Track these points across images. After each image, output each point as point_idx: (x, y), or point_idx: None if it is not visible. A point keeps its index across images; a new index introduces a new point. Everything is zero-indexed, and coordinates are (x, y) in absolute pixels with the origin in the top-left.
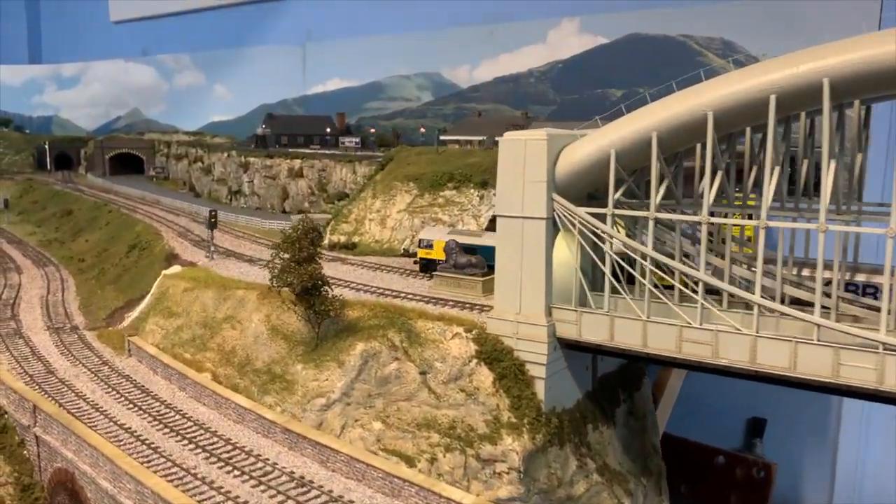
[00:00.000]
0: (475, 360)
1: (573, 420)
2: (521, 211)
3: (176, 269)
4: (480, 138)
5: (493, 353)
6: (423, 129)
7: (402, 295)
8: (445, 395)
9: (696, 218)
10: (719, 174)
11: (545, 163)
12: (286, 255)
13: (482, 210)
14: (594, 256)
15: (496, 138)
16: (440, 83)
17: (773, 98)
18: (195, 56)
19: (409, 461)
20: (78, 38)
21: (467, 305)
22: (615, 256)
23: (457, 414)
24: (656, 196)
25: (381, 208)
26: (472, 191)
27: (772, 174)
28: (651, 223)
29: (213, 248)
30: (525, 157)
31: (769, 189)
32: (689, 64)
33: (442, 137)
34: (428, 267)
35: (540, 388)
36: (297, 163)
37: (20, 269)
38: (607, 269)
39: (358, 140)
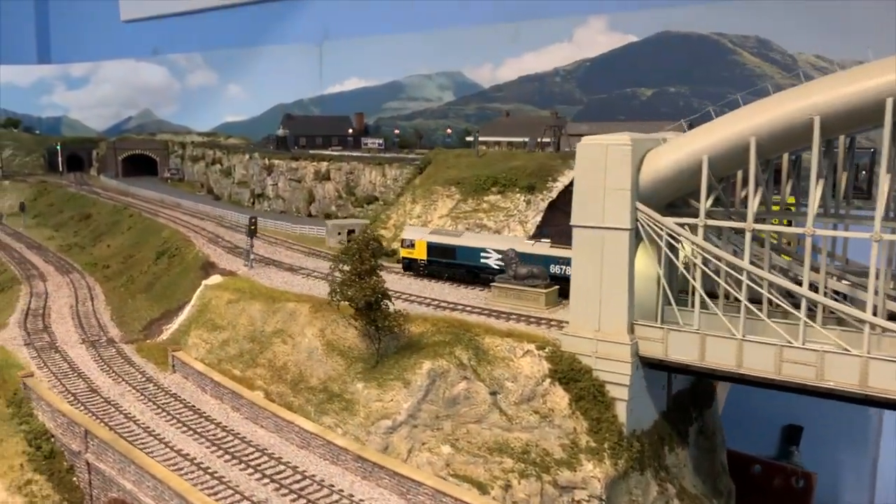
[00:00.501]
0: (549, 380)
1: (652, 442)
2: (601, 221)
3: (216, 278)
4: (523, 139)
5: (570, 373)
6: (449, 131)
7: (460, 307)
8: (518, 416)
9: (800, 230)
10: (821, 183)
11: (629, 169)
12: (346, 268)
13: (529, 215)
14: (683, 271)
15: (541, 139)
16: (462, 83)
17: (890, 101)
18: (208, 55)
19: (482, 488)
20: (87, 38)
21: (532, 319)
22: (707, 270)
23: (530, 437)
24: (753, 205)
25: (422, 214)
26: (517, 195)
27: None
28: (749, 235)
29: (252, 257)
30: (606, 163)
31: (883, 198)
32: (722, 63)
33: (469, 139)
34: (410, 266)
35: (621, 411)
36: (323, 165)
37: (44, 276)
38: (698, 284)
39: (381, 141)
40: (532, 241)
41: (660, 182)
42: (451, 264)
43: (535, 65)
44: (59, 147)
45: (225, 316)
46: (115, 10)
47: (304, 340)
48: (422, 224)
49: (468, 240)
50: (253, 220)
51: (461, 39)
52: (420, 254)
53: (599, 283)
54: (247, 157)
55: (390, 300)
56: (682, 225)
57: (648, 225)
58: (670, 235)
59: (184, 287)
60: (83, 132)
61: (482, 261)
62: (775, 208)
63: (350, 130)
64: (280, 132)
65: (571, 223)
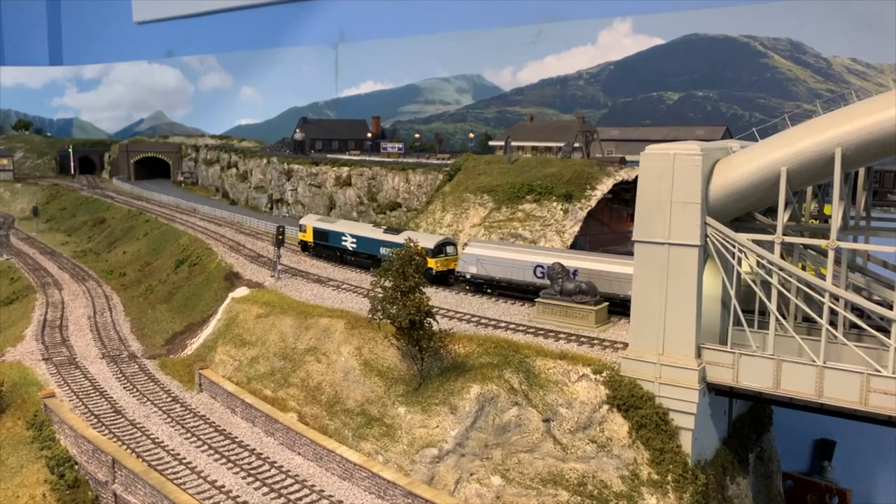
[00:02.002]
0: (607, 407)
1: (716, 473)
2: (666, 236)
3: (243, 291)
4: (547, 144)
5: (630, 400)
6: (472, 135)
7: (503, 324)
8: (573, 446)
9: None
10: None
11: (699, 181)
12: (388, 284)
13: (566, 225)
14: (758, 291)
15: (577, 145)
16: (481, 86)
17: None
18: (222, 57)
19: None
20: (99, 40)
21: (584, 339)
22: (783, 290)
23: (587, 468)
24: (837, 220)
25: (453, 222)
26: (554, 204)
27: None
28: (832, 254)
29: (280, 268)
30: (673, 174)
31: None
32: (751, 66)
33: (493, 143)
34: (305, 247)
35: (686, 440)
36: (344, 171)
37: (59, 283)
38: (773, 305)
39: (401, 145)
40: (379, 225)
41: (731, 195)
42: (326, 246)
43: (558, 68)
44: (70, 149)
45: (254, 331)
46: (127, 12)
47: (340, 359)
48: (452, 233)
49: (335, 226)
50: (281, 230)
51: (481, 42)
52: (308, 237)
53: (664, 304)
54: (264, 161)
55: (434, 318)
56: (758, 242)
57: (718, 241)
58: (742, 252)
59: (207, 298)
60: (94, 134)
61: (342, 243)
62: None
63: (368, 134)
64: (297, 136)
65: (633, 238)
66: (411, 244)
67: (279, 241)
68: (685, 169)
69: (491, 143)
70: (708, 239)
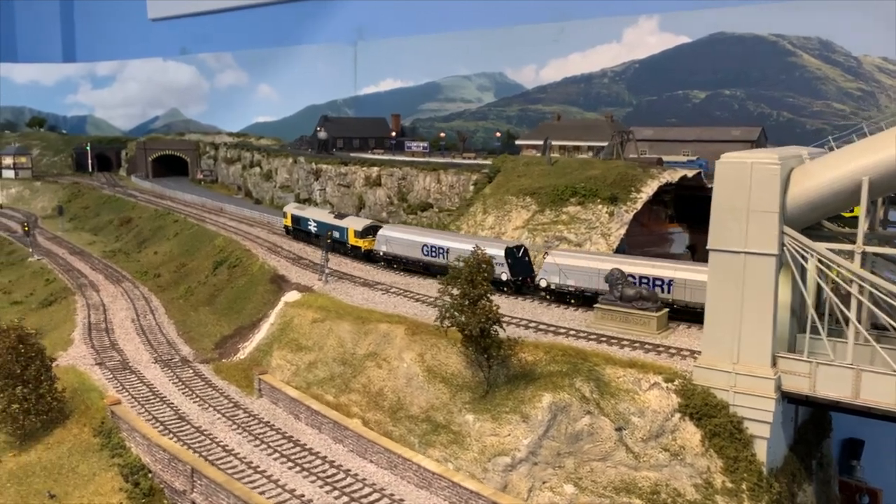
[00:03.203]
0: (679, 416)
1: (787, 481)
2: (743, 245)
3: (294, 295)
4: (588, 144)
5: (703, 408)
6: (498, 133)
7: (563, 331)
8: (645, 454)
9: None
10: None
11: (777, 190)
12: (456, 292)
13: (612, 228)
14: (836, 301)
15: (618, 144)
16: (503, 84)
17: None
18: (238, 55)
19: None
20: (113, 37)
21: (648, 346)
22: (862, 299)
23: (659, 476)
24: None
25: (495, 225)
26: (599, 207)
27: None
28: None
29: (327, 272)
30: (750, 182)
31: None
32: (780, 65)
33: (518, 142)
34: (288, 231)
35: (761, 449)
36: (374, 170)
37: (95, 285)
38: (853, 315)
39: (425, 144)
40: (332, 212)
41: (807, 204)
42: (299, 230)
43: (582, 66)
44: (88, 147)
45: (310, 336)
46: (142, 9)
47: (402, 365)
48: (495, 235)
49: (304, 213)
50: (329, 234)
51: (503, 39)
52: (288, 222)
53: (739, 312)
54: (290, 160)
55: (502, 326)
56: (836, 251)
57: (795, 250)
58: (819, 261)
59: (254, 301)
60: (108, 131)
61: (308, 226)
62: None
63: (393, 133)
64: (321, 134)
65: (708, 247)
66: (479, 251)
67: (328, 246)
68: (763, 178)
69: (518, 141)
70: (784, 248)
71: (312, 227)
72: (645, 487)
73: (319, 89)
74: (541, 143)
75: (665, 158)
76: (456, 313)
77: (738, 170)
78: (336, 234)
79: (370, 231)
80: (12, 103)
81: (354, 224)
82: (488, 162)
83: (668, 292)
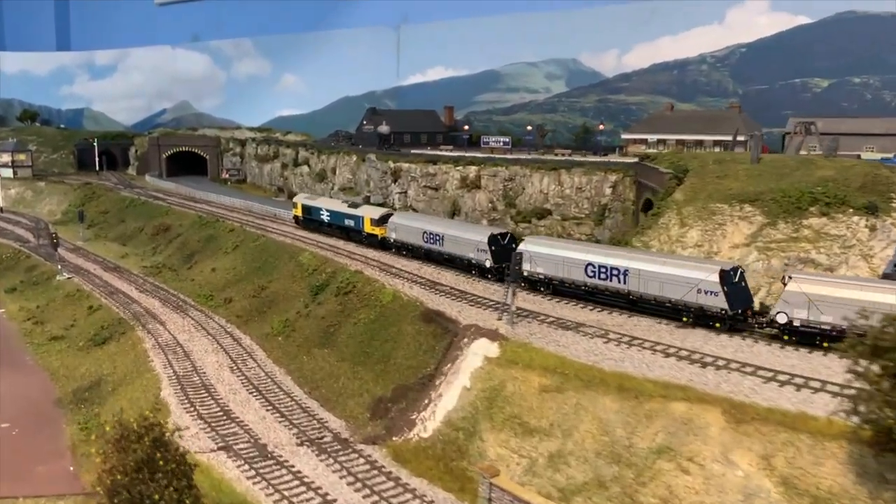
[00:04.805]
0: None
1: None
2: None
3: (484, 344)
4: (714, 138)
5: None
6: (601, 126)
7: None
8: None
9: None
10: None
11: None
12: (877, 372)
13: (875, 247)
14: None
15: (740, 138)
16: (577, 71)
17: None
18: (259, 41)
19: None
20: (114, 22)
21: None
22: None
23: None
24: None
25: (703, 241)
26: (854, 219)
27: None
28: None
29: (513, 309)
30: None
31: None
32: None
33: (625, 136)
34: (297, 221)
35: None
36: (472, 170)
37: (154, 314)
38: None
39: (508, 139)
40: (345, 201)
41: None
42: (310, 220)
43: (674, 51)
44: (95, 143)
45: (543, 413)
46: None
47: (731, 473)
48: (705, 255)
49: (316, 202)
50: (518, 257)
51: (577, 22)
52: (299, 212)
53: None
54: (354, 158)
55: None
56: None
57: None
58: None
59: (406, 347)
60: (108, 126)
61: (320, 216)
62: None
63: (466, 127)
64: (382, 128)
65: None
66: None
67: (515, 273)
68: None
69: (625, 135)
70: None
71: (325, 217)
72: None
73: (355, 79)
74: (650, 136)
75: (859, 154)
76: (885, 409)
77: None
78: (351, 223)
79: (386, 219)
80: (0, 95)
81: (371, 213)
82: (626, 160)
83: None
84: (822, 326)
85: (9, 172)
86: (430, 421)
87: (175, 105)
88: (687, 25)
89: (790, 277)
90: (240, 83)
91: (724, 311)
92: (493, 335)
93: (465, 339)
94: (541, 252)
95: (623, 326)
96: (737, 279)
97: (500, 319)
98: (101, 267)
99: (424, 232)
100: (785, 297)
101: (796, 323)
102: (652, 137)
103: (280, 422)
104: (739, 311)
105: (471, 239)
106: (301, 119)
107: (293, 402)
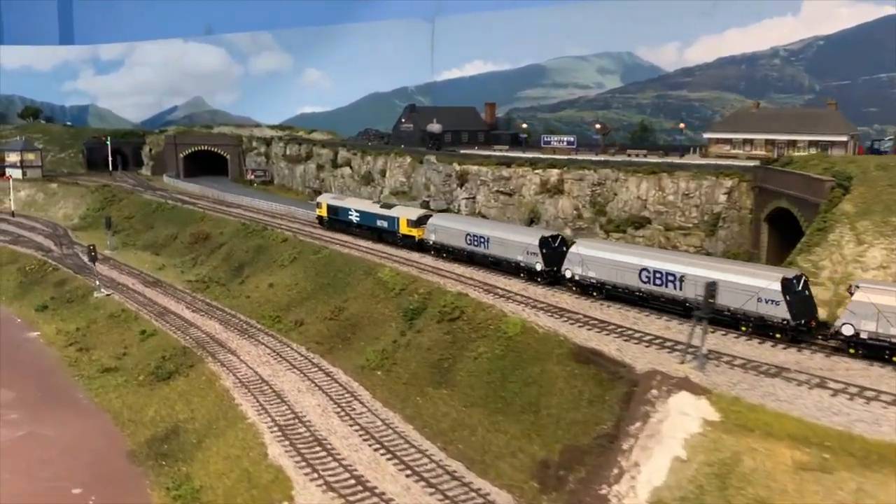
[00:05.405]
0: None
1: None
2: None
3: (687, 400)
4: (808, 138)
5: None
6: (682, 126)
7: None
8: None
9: None
10: None
11: None
12: None
13: None
14: None
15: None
16: (633, 65)
17: None
18: (279, 34)
19: None
20: (120, 15)
21: None
22: None
23: None
24: None
25: (888, 263)
26: None
27: None
28: None
29: (704, 351)
30: None
31: None
32: None
33: (708, 136)
34: (321, 221)
35: None
36: (553, 173)
37: (219, 340)
38: None
39: (573, 139)
40: (377, 201)
41: None
42: (336, 220)
43: (743, 44)
44: (108, 141)
45: (806, 500)
46: None
47: None
48: (891, 279)
49: (344, 202)
50: (712, 288)
51: (633, 12)
52: (323, 212)
53: None
54: (408, 159)
55: None
56: None
57: None
58: None
59: (558, 395)
60: (115, 123)
61: (348, 217)
62: None
63: (524, 126)
64: (433, 127)
65: None
66: None
67: (706, 308)
68: None
69: (707, 135)
70: None
71: (354, 218)
72: None
73: (384, 74)
74: (735, 136)
75: None
76: None
77: None
78: (384, 224)
79: (423, 221)
80: (1, 91)
81: (406, 213)
82: (740, 163)
83: None
84: (893, 340)
85: (18, 173)
86: (630, 498)
87: (187, 101)
88: (757, 16)
89: (857, 287)
90: (258, 78)
91: (785, 322)
92: (691, 387)
93: (654, 391)
94: (593, 255)
95: (834, 371)
96: (800, 288)
97: (683, 363)
98: (139, 281)
99: (467, 234)
100: (851, 307)
101: (864, 335)
102: (737, 137)
103: (432, 494)
104: (802, 321)
105: (520, 241)
106: (325, 116)
107: (433, 464)
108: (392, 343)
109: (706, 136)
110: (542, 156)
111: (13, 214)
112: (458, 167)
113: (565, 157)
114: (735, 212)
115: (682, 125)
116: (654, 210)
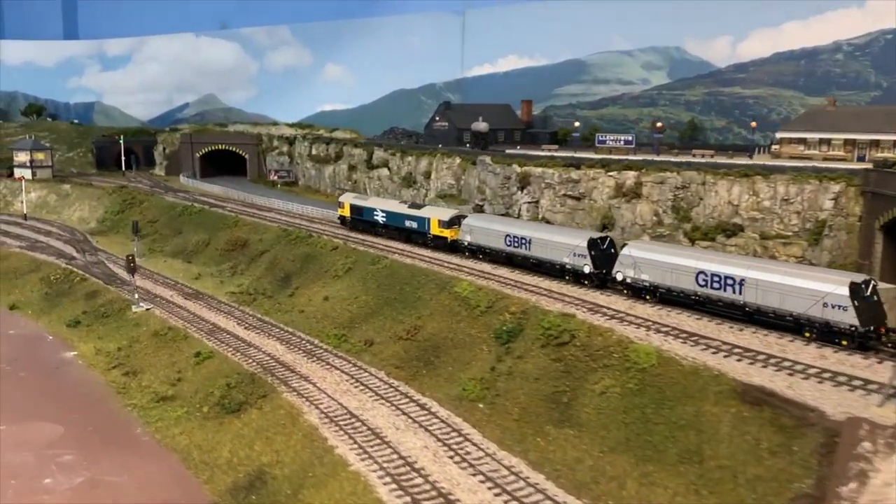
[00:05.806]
0: None
1: None
2: None
3: None
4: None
5: None
6: (753, 124)
7: None
8: None
9: None
10: None
11: None
12: None
13: None
14: None
15: None
16: (681, 61)
17: None
18: (297, 28)
19: None
20: (127, 9)
21: None
22: None
23: None
24: None
25: None
26: None
27: None
28: None
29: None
30: None
31: None
32: None
33: (780, 135)
34: (343, 221)
35: None
36: (629, 176)
37: (285, 363)
38: None
39: (630, 138)
40: (405, 201)
41: None
42: (360, 220)
43: (802, 38)
44: (121, 140)
45: None
46: None
47: None
48: None
49: (368, 202)
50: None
51: (683, 5)
52: (346, 212)
53: None
54: (457, 160)
55: None
56: None
57: None
58: None
59: (729, 441)
60: (121, 121)
61: (373, 217)
62: None
63: (576, 124)
64: (478, 125)
65: None
66: None
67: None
68: None
69: (779, 134)
70: None
71: (380, 218)
72: None
73: (410, 70)
74: (810, 135)
75: None
76: None
77: None
78: (413, 225)
79: (456, 221)
80: (2, 87)
81: (438, 214)
82: (853, 166)
83: None
84: None
85: (28, 173)
86: None
87: (198, 99)
88: (818, 9)
89: None
90: (274, 74)
91: (853, 328)
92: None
93: (867, 444)
94: (647, 257)
95: None
96: (868, 293)
97: (881, 406)
98: (177, 293)
99: (507, 235)
100: None
101: None
102: (812, 136)
103: None
104: (871, 328)
105: (566, 243)
106: (346, 114)
107: None
108: (490, 371)
109: (778, 135)
110: (612, 157)
111: (25, 217)
112: (518, 169)
113: (640, 157)
114: (842, 219)
115: (752, 123)
116: (748, 216)
